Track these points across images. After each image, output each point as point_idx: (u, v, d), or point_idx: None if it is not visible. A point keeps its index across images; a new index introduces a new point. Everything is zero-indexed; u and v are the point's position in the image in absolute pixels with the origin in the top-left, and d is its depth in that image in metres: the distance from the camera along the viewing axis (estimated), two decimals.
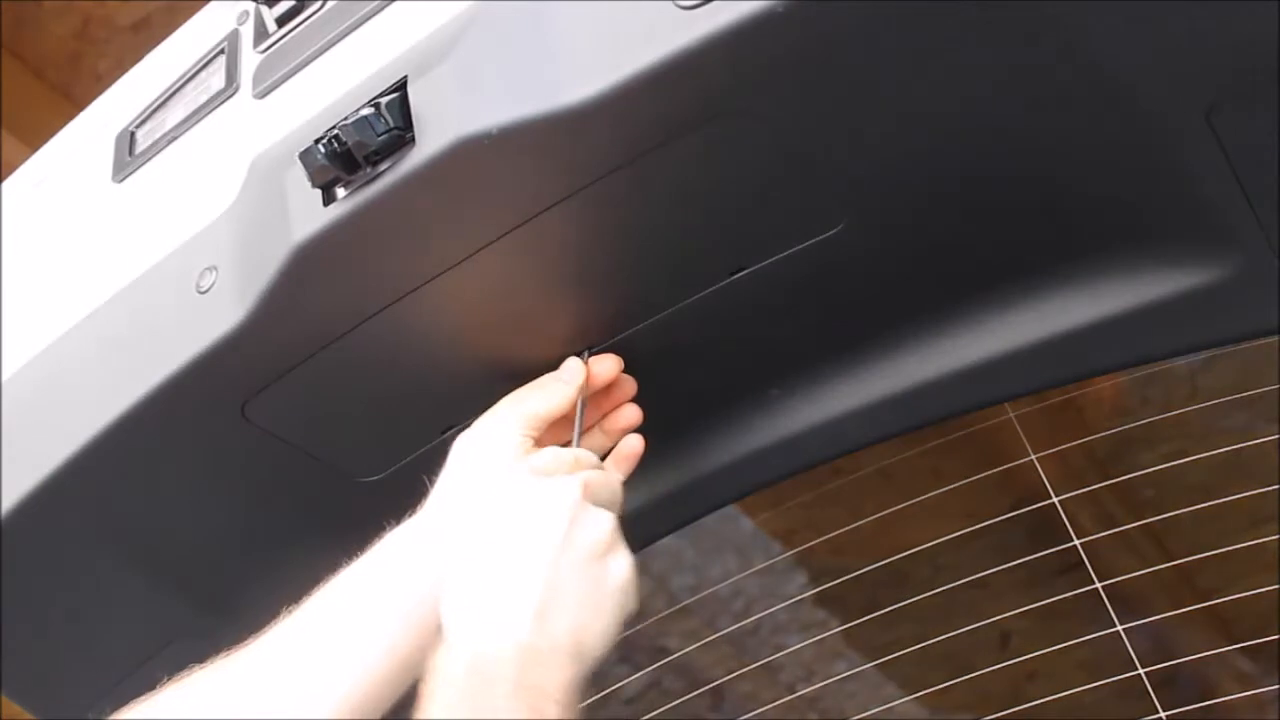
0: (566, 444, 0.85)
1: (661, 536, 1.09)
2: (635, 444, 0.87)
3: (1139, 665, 1.22)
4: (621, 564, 0.73)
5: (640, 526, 1.06)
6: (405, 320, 0.83)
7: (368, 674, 0.74)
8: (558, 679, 0.67)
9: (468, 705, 0.65)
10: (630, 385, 0.89)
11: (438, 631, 0.72)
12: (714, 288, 0.85)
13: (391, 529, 0.82)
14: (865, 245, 0.83)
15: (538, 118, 0.71)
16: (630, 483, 0.88)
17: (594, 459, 0.82)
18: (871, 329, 0.93)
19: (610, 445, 0.89)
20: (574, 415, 0.85)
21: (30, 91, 2.06)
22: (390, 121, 0.73)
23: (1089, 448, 1.41)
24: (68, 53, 2.07)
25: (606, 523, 0.74)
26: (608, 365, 0.87)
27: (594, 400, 0.88)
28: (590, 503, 0.74)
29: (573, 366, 0.85)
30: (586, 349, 0.88)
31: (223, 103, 0.91)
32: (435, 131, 0.72)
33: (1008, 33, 0.70)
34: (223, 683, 0.73)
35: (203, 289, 0.82)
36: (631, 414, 0.88)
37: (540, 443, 0.83)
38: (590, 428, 0.88)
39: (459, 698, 0.65)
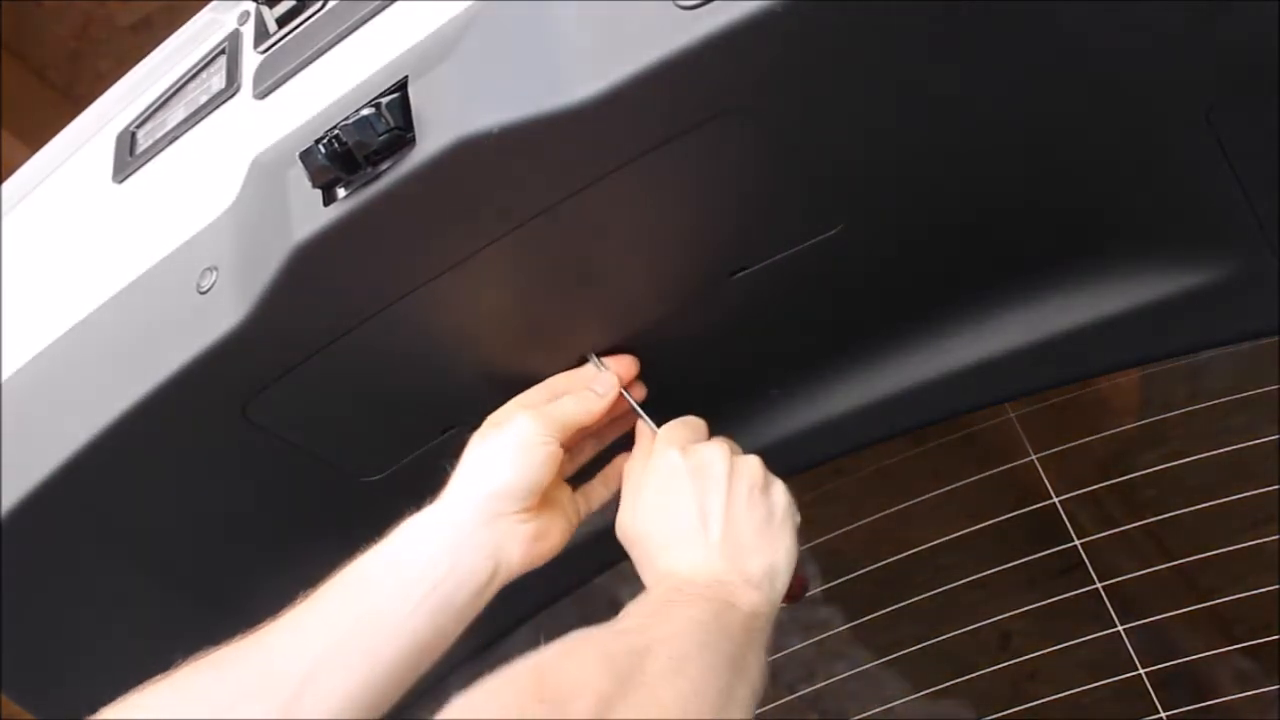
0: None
1: None
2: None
3: (1139, 665, 1.22)
4: (779, 490, 0.82)
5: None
6: (406, 320, 0.83)
7: (388, 657, 0.74)
8: (747, 601, 0.73)
9: (655, 606, 0.71)
10: (641, 390, 0.90)
11: (457, 614, 0.75)
12: (714, 288, 0.85)
13: (390, 530, 0.82)
14: (865, 246, 0.83)
15: (538, 118, 0.71)
16: None
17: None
18: (871, 329, 0.93)
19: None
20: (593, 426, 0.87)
21: (30, 91, 2.06)
22: (391, 121, 0.73)
23: (1089, 448, 1.41)
24: (68, 53, 2.08)
25: (755, 462, 0.82)
26: (627, 366, 0.88)
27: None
28: (734, 454, 0.82)
29: (607, 381, 0.86)
30: (594, 353, 0.88)
31: (223, 103, 0.91)
32: (436, 131, 0.72)
33: (1007, 33, 0.70)
34: (237, 665, 0.73)
35: (203, 289, 0.83)
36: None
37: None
38: (598, 432, 0.89)
39: (649, 604, 0.72)
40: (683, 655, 0.65)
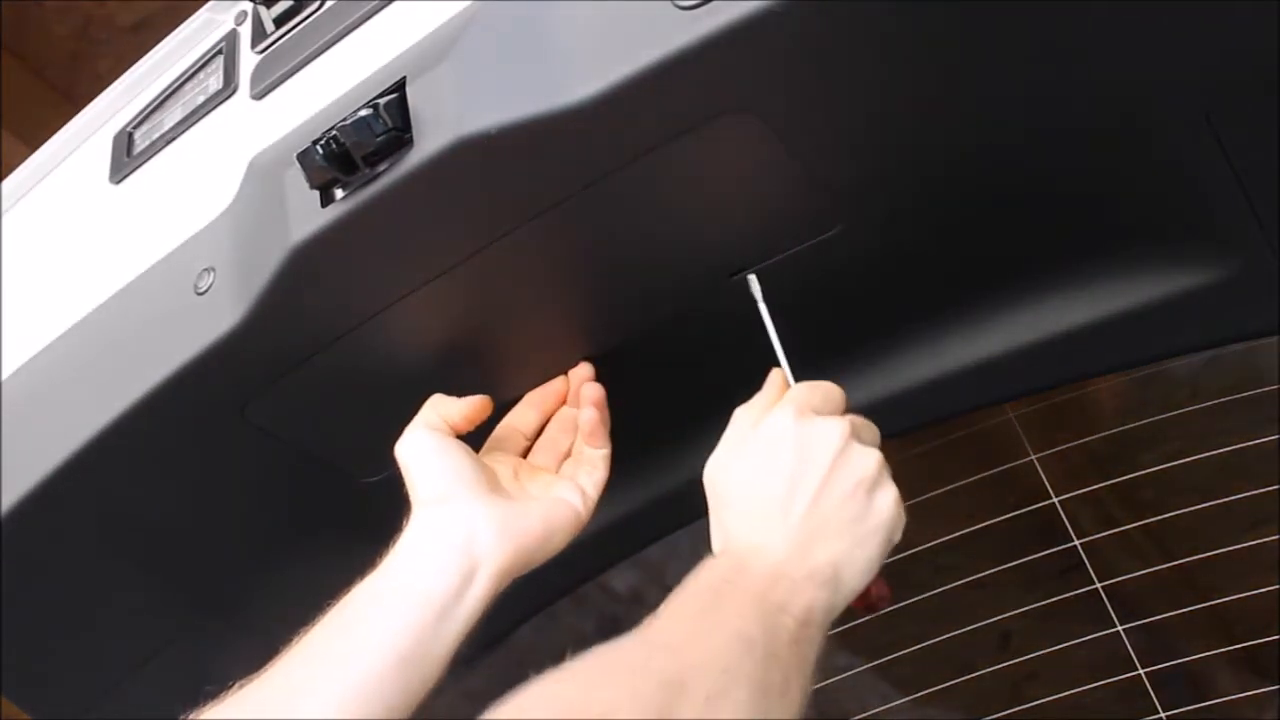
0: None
1: (657, 539, 1.09)
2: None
3: (1139, 665, 1.22)
4: (887, 498, 0.74)
5: (635, 529, 1.07)
6: (404, 321, 0.83)
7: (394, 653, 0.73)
8: (803, 601, 0.68)
9: (701, 604, 0.67)
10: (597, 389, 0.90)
11: (439, 612, 0.73)
12: (714, 288, 0.85)
13: (391, 529, 0.82)
14: (864, 246, 0.83)
15: (536, 118, 0.70)
16: (625, 486, 0.88)
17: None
18: (871, 329, 0.93)
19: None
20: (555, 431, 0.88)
21: (30, 91, 2.07)
22: (389, 122, 0.73)
23: (1089, 448, 1.41)
24: (68, 53, 2.07)
25: (873, 458, 0.75)
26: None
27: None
28: (856, 440, 0.76)
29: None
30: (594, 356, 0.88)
31: (221, 103, 0.91)
32: (434, 132, 0.72)
33: (1007, 33, 0.70)
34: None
35: (200, 290, 0.82)
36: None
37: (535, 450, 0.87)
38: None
39: (696, 600, 0.67)
40: (720, 693, 0.60)
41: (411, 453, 0.80)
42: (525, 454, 0.88)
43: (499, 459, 0.85)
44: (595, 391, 0.87)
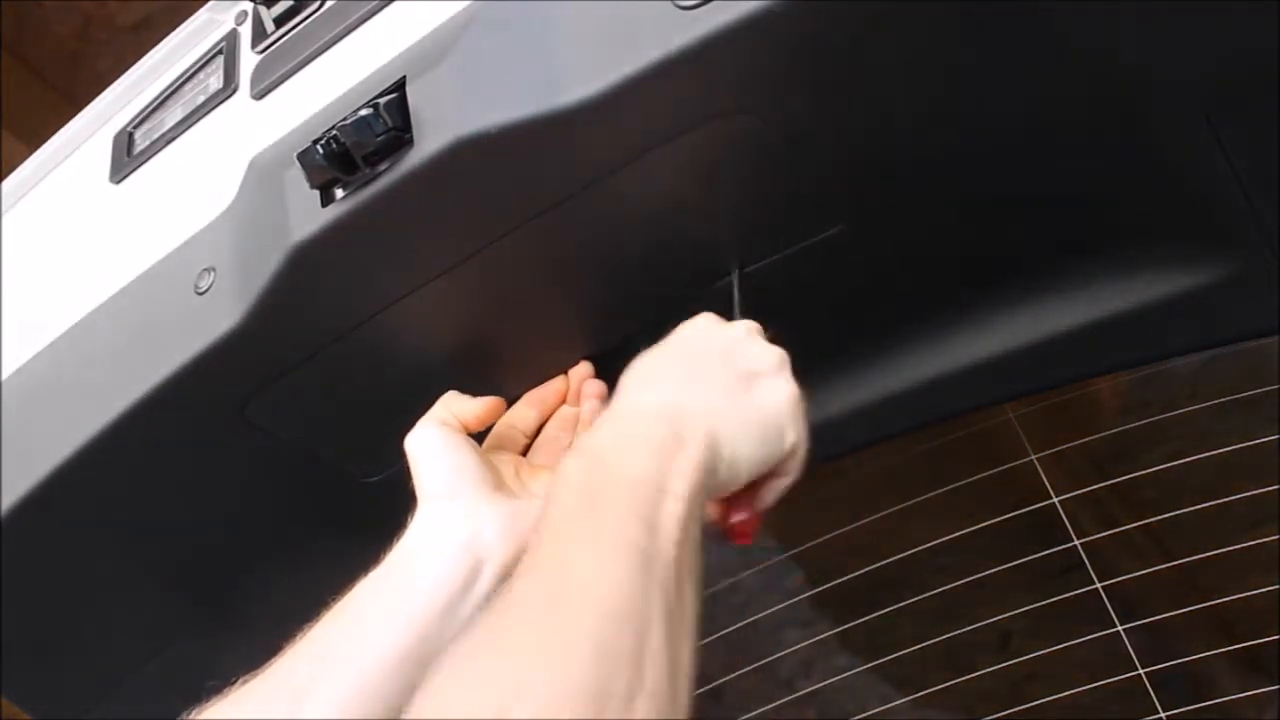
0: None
1: None
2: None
3: (1139, 665, 1.22)
4: (779, 391, 0.72)
5: None
6: (404, 320, 0.83)
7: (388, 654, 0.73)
8: (682, 467, 0.62)
9: (578, 515, 0.60)
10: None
11: (444, 610, 0.72)
12: (714, 288, 0.85)
13: (391, 529, 0.82)
14: (864, 246, 0.83)
15: (536, 118, 0.71)
16: None
17: None
18: (871, 329, 0.93)
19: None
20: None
21: (30, 91, 2.07)
22: (389, 122, 0.73)
23: (1089, 448, 1.41)
24: (68, 53, 2.08)
25: (772, 353, 0.74)
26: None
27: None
28: (762, 338, 0.75)
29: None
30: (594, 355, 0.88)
31: (221, 103, 0.91)
32: (434, 132, 0.72)
33: (1008, 33, 0.70)
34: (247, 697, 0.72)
35: (201, 290, 0.82)
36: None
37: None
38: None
39: (573, 512, 0.61)
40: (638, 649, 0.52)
41: (421, 447, 0.80)
42: (524, 452, 0.88)
43: (501, 458, 0.85)
44: (597, 387, 0.88)
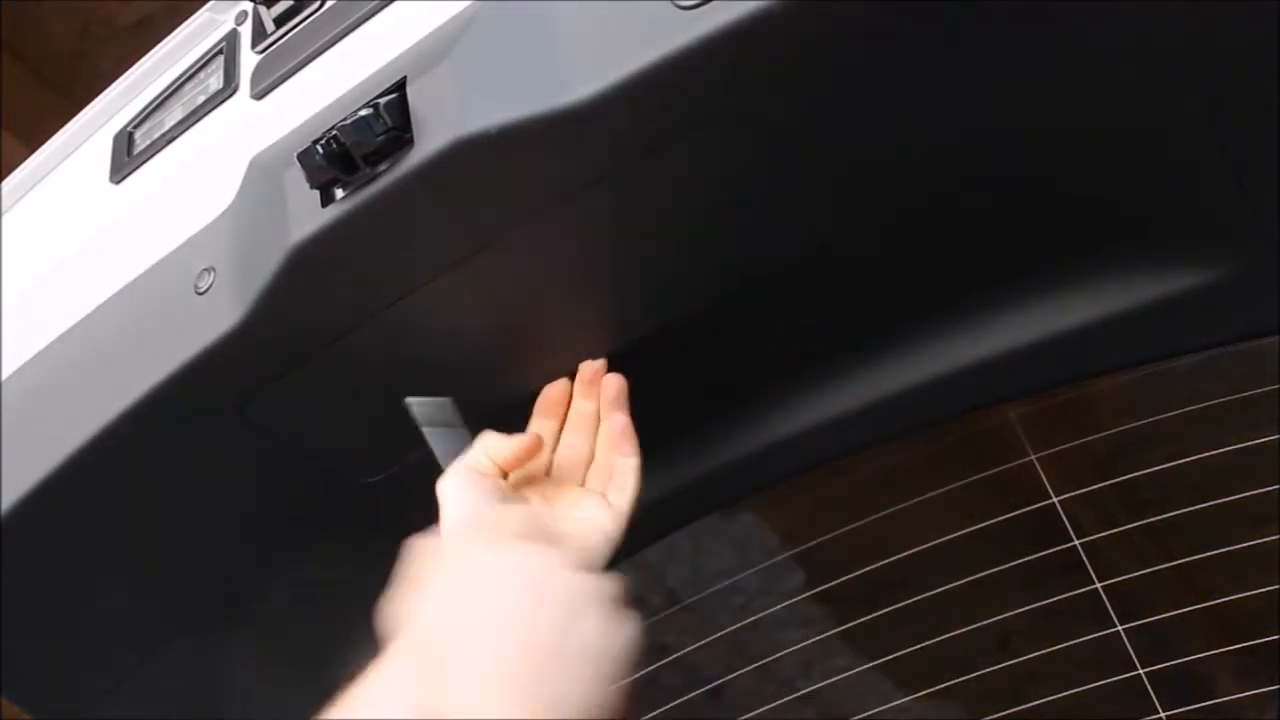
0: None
1: (654, 540, 1.09)
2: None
3: (1139, 665, 1.22)
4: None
5: (633, 531, 1.06)
6: (405, 321, 0.83)
7: None
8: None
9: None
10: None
11: None
12: (712, 289, 0.85)
13: (392, 529, 0.81)
14: (863, 246, 0.83)
15: (537, 118, 0.70)
16: None
17: None
18: (870, 329, 0.93)
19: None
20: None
21: (30, 91, 2.07)
22: (389, 122, 0.73)
23: (1089, 448, 1.41)
24: (68, 53, 2.07)
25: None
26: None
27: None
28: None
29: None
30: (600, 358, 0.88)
31: (221, 103, 0.91)
32: (434, 132, 0.72)
33: (1007, 33, 0.70)
34: None
35: (200, 290, 0.82)
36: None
37: None
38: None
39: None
40: None
41: (443, 493, 0.79)
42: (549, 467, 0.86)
43: (528, 488, 0.84)
44: (616, 383, 0.86)
